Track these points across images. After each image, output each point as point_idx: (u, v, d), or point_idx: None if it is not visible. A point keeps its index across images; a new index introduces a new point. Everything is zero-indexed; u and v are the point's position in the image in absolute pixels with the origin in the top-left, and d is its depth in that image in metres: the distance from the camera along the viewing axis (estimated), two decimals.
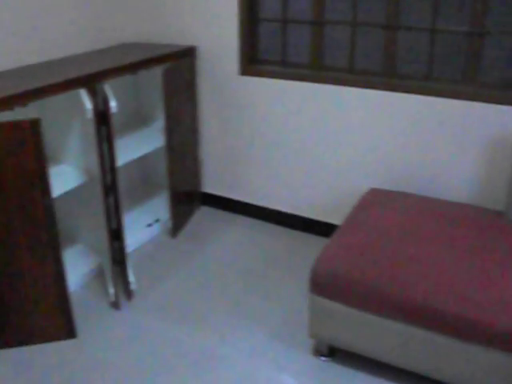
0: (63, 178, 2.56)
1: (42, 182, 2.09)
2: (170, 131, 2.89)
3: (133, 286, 2.61)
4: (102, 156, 2.47)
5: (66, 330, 2.38)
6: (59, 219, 2.98)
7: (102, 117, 2.43)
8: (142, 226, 3.13)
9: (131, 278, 2.58)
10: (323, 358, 2.22)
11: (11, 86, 2.27)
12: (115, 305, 2.56)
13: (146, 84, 3.30)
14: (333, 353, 2.24)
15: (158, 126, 3.30)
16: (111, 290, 2.53)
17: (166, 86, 2.78)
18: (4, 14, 2.62)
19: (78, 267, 2.76)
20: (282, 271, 2.83)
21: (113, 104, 2.29)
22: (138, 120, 3.45)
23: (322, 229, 3.11)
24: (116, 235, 2.63)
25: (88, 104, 2.26)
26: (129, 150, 2.92)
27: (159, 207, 3.34)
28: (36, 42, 2.79)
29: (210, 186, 3.41)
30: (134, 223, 3.17)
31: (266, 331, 2.40)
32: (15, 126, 2.00)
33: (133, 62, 2.67)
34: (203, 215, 3.39)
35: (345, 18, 2.75)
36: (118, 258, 2.65)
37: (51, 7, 2.82)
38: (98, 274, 2.82)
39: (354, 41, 2.75)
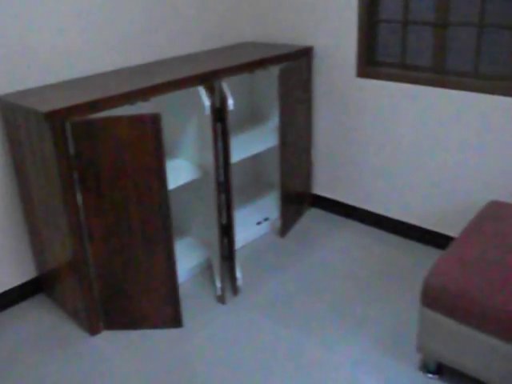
0: (179, 172, 2.62)
1: (159, 174, 2.15)
2: (283, 131, 2.87)
3: (239, 282, 2.62)
4: (216, 152, 2.50)
5: (173, 318, 2.43)
6: (173, 211, 3.06)
7: (219, 114, 2.46)
8: (252, 223, 3.15)
9: (238, 274, 2.60)
10: (430, 375, 2.09)
11: (134, 81, 2.36)
12: (221, 299, 2.58)
13: (261, 83, 3.31)
14: (441, 370, 2.11)
15: (272, 125, 3.30)
16: (218, 285, 2.56)
17: (281, 85, 2.76)
18: (130, 14, 2.73)
19: (187, 259, 2.82)
20: (390, 280, 2.72)
21: (230, 102, 2.31)
22: (252, 118, 3.47)
23: (434, 239, 2.95)
24: (226, 231, 2.65)
25: (206, 101, 2.30)
26: (242, 147, 2.94)
27: (269, 206, 3.34)
28: (159, 40, 2.89)
29: (320, 188, 3.36)
30: (243, 220, 3.19)
31: (371, 340, 2.31)
32: (137, 119, 2.06)
33: (250, 61, 2.68)
34: (312, 217, 3.34)
35: (470, 19, 2.58)
36: (227, 253, 2.68)
37: (175, 7, 2.90)
38: (206, 267, 2.86)
39: (479, 43, 2.58)
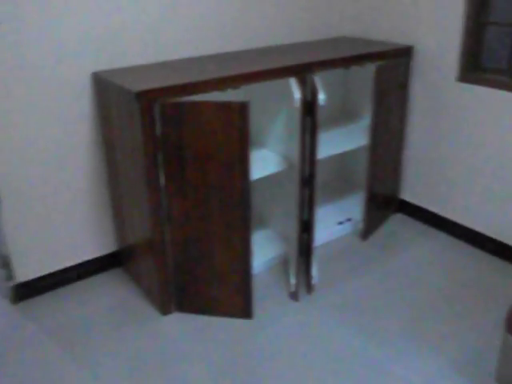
0: (263, 163, 2.58)
1: (242, 163, 2.11)
2: (375, 131, 2.75)
3: (314, 281, 2.53)
4: (303, 146, 2.43)
5: (244, 309, 2.39)
6: (253, 202, 3.02)
7: (309, 108, 2.38)
8: (333, 222, 3.05)
9: (314, 272, 2.51)
10: None
11: (226, 68, 2.33)
12: (294, 296, 2.51)
13: (356, 79, 3.20)
14: None
15: (363, 123, 3.18)
16: (293, 281, 2.49)
17: (377, 84, 2.64)
18: (230, 3, 2.70)
19: (264, 251, 2.78)
20: (474, 298, 2.54)
21: (321, 96, 2.22)
22: (342, 115, 3.37)
23: None
24: (306, 227, 2.57)
25: (297, 93, 2.23)
26: (331, 144, 2.85)
27: (352, 207, 3.22)
28: (255, 28, 2.85)
29: (408, 193, 3.20)
30: (324, 218, 3.10)
31: (444, 359, 2.16)
32: (226, 106, 2.03)
33: (346, 57, 2.58)
34: (397, 222, 3.19)
35: None
36: (305, 250, 2.60)
37: None
38: (283, 261, 2.80)
39: None
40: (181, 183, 2.17)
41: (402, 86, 2.93)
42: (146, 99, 2.04)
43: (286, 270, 2.74)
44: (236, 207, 2.19)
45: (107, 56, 2.41)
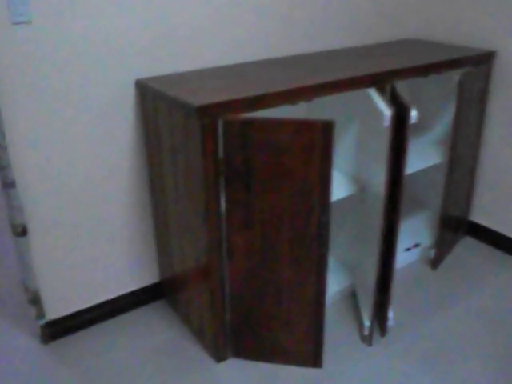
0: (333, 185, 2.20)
1: (322, 192, 1.73)
2: (454, 147, 2.36)
3: (390, 323, 2.16)
4: (390, 169, 2.05)
5: (313, 357, 2.02)
6: None
7: (398, 126, 1.99)
8: (399, 248, 2.66)
9: (390, 312, 2.13)
10: None
11: (291, 76, 1.95)
12: (367, 340, 2.13)
13: (428, 89, 2.79)
14: None
15: (432, 138, 2.78)
16: (367, 323, 2.11)
17: (461, 94, 2.25)
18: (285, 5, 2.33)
19: (328, 285, 2.40)
20: None
21: (413, 113, 1.83)
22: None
23: None
24: (385, 259, 2.19)
25: (386, 109, 1.84)
26: None
27: (419, 230, 2.83)
28: (318, 30, 2.47)
29: (478, 215, 2.81)
30: None
31: None
32: (306, 125, 1.65)
33: (427, 64, 2.19)
34: (466, 247, 2.80)
35: None
36: (381, 286, 2.21)
37: None
38: (348, 295, 2.42)
39: None
40: (246, 212, 1.80)
41: (482, 97, 2.54)
42: (209, 115, 1.67)
43: (354, 305, 2.36)
44: (311, 243, 1.81)
45: (154, 59, 2.04)
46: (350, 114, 2.17)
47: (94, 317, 2.26)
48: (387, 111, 1.79)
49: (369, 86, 2.02)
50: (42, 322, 2.11)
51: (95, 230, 2.13)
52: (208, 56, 2.16)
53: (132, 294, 2.33)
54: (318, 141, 1.67)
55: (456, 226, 2.73)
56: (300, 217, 1.77)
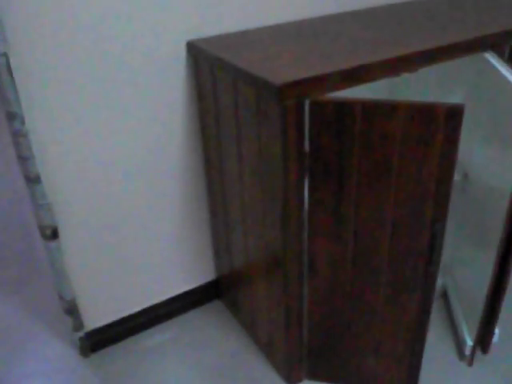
0: None
1: (439, 195, 1.31)
2: None
3: (495, 339, 1.76)
4: None
5: (406, 383, 1.65)
6: None
7: None
8: None
9: (497, 328, 1.73)
10: None
11: (392, 38, 1.48)
12: (468, 360, 1.75)
13: None
14: None
15: None
16: (469, 342, 1.72)
17: None
18: None
19: None
20: None
21: None
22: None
23: None
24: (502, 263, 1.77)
25: None
26: None
27: None
28: None
29: None
30: None
31: None
32: (425, 110, 1.21)
33: None
34: None
35: None
36: (489, 298, 1.79)
37: None
38: (437, 297, 2.02)
39: None
40: (335, 220, 1.39)
41: None
42: (293, 95, 1.23)
43: (443, 311, 1.96)
44: (418, 259, 1.40)
45: (207, 15, 1.59)
46: (452, 84, 1.71)
47: (140, 323, 1.91)
48: None
49: (485, 49, 1.54)
50: (81, 333, 1.78)
51: (137, 225, 1.75)
52: (269, 9, 1.69)
53: (183, 294, 1.97)
54: (439, 131, 1.22)
55: None
56: (407, 227, 1.35)
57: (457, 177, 1.76)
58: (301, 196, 1.37)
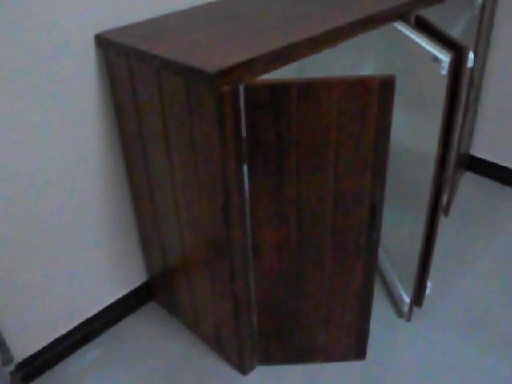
0: None
1: (376, 169, 1.32)
2: (473, 80, 2.00)
3: (428, 292, 1.84)
4: (446, 127, 1.65)
5: (356, 350, 1.69)
6: None
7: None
8: None
9: (429, 281, 1.82)
10: None
11: (310, 14, 1.46)
12: (406, 315, 1.82)
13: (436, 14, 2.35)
14: None
15: None
16: (406, 299, 1.79)
17: (481, 21, 1.86)
18: None
19: None
20: None
21: (471, 55, 1.40)
22: None
23: None
24: (430, 223, 1.84)
25: (441, 53, 1.39)
26: None
27: None
28: None
29: (480, 149, 2.51)
30: None
31: None
32: (359, 85, 1.21)
33: None
34: (471, 185, 2.51)
35: None
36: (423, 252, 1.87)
37: None
38: None
39: None
40: (277, 204, 1.36)
41: (491, 20, 2.16)
42: (228, 82, 1.17)
43: (385, 276, 2.02)
44: (360, 229, 1.42)
45: (111, 5, 1.47)
46: (365, 55, 1.74)
47: (74, 342, 1.77)
48: (443, 56, 1.36)
49: (394, 19, 1.57)
50: (10, 368, 1.61)
51: (56, 239, 1.61)
52: None
53: (115, 303, 1.85)
54: (373, 103, 1.23)
55: (458, 164, 2.43)
56: (348, 200, 1.36)
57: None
58: (241, 183, 1.33)
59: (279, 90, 1.20)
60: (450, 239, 2.16)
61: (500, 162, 2.45)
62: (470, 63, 1.41)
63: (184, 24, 1.47)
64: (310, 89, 1.20)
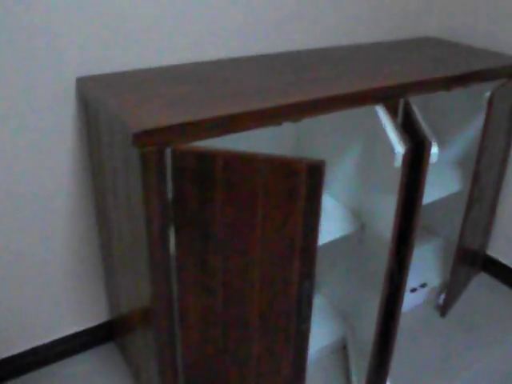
0: (324, 216, 1.68)
1: (305, 254, 1.22)
2: (478, 176, 1.83)
3: None
4: (400, 211, 1.53)
5: None
6: None
7: (413, 163, 1.46)
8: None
9: (388, 382, 1.64)
10: None
11: (273, 85, 1.41)
12: None
13: (445, 100, 2.24)
14: None
15: (452, 157, 2.23)
16: None
17: (489, 114, 1.71)
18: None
19: (315, 333, 1.88)
20: None
21: (434, 150, 1.28)
22: None
23: None
24: (389, 308, 1.68)
25: (397, 145, 1.29)
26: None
27: (428, 265, 2.29)
28: (311, 21, 1.92)
29: (497, 249, 2.28)
30: None
31: None
32: (285, 165, 1.13)
33: (452, 76, 1.65)
34: (482, 287, 2.28)
35: None
36: (381, 340, 1.70)
37: None
38: (339, 348, 1.91)
39: None
40: (202, 272, 1.29)
41: (510, 117, 1.99)
42: (153, 143, 1.14)
43: (346, 364, 1.86)
44: (288, 316, 1.30)
45: (100, 50, 1.51)
46: (352, 131, 1.64)
47: (20, 366, 1.77)
48: (399, 147, 1.25)
49: (376, 102, 1.48)
50: None
51: (23, 262, 1.63)
52: (168, 51, 1.62)
53: (71, 337, 1.83)
54: (301, 187, 1.15)
55: (472, 262, 2.21)
56: (275, 285, 1.26)
57: (354, 228, 1.68)
58: (166, 247, 1.27)
59: (205, 158, 1.15)
60: (437, 345, 1.95)
61: None
62: (433, 157, 1.28)
63: (156, 79, 1.47)
64: (234, 162, 1.14)
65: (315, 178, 1.13)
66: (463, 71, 1.68)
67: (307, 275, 1.23)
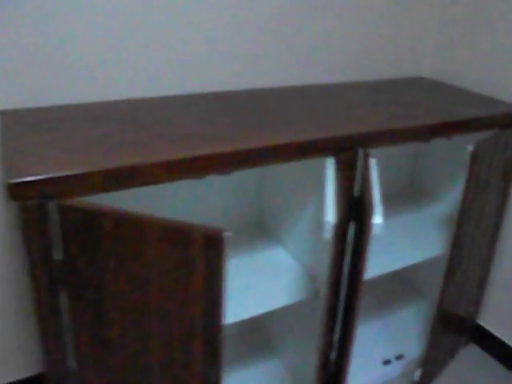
0: (275, 277, 1.47)
1: (206, 335, 1.01)
2: (460, 240, 1.59)
3: None
4: (336, 271, 1.30)
5: None
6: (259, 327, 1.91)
7: (355, 214, 1.24)
8: (375, 360, 1.87)
9: None
10: None
11: (209, 131, 1.21)
12: None
13: (431, 151, 2.00)
14: None
15: (437, 213, 1.98)
16: None
17: (472, 171, 1.47)
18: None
19: None
20: None
21: (377, 220, 1.06)
22: (404, 199, 2.16)
23: None
24: (334, 376, 1.45)
25: (329, 214, 1.07)
26: (389, 253, 1.68)
27: (405, 334, 2.01)
28: (259, 61, 1.73)
29: (489, 320, 2.00)
30: (363, 352, 1.91)
31: None
32: (179, 234, 0.93)
33: (430, 125, 1.42)
34: (470, 360, 1.99)
35: None
36: None
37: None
38: None
39: None
40: (99, 344, 1.09)
41: (507, 173, 1.74)
42: (34, 196, 0.96)
43: None
44: None
45: (25, 87, 1.35)
46: (311, 183, 1.44)
47: None
48: (331, 216, 1.04)
49: (327, 154, 1.27)
50: None
51: None
52: (104, 86, 1.45)
53: None
54: (200, 258, 0.94)
55: (457, 331, 1.94)
56: (178, 370, 1.05)
57: (307, 294, 1.45)
58: (56, 313, 1.08)
59: (92, 217, 0.96)
60: None
61: (508, 341, 1.92)
62: (376, 228, 1.06)
63: (77, 117, 1.29)
64: (125, 225, 0.95)
65: (215, 249, 0.93)
66: (446, 119, 1.45)
67: (212, 363, 1.02)
